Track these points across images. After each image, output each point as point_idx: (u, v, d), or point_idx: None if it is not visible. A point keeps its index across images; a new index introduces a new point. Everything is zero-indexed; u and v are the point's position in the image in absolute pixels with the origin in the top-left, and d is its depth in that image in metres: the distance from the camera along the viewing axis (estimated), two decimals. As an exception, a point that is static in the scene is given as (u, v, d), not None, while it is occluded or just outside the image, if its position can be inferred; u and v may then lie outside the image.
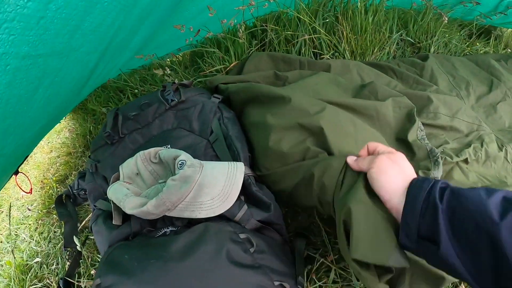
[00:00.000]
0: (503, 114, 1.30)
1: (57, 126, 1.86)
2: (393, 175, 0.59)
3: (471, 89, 1.36)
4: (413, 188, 0.55)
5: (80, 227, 1.14)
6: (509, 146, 1.12)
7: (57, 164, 1.62)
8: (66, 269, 1.01)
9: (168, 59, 1.57)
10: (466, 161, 1.01)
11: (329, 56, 1.40)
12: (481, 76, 1.47)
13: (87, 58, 1.01)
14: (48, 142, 1.85)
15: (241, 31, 1.30)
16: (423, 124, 1.06)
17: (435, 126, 1.09)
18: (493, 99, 1.35)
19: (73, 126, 1.83)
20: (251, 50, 1.36)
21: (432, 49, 1.69)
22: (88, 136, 1.59)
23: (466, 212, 0.47)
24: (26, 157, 1.28)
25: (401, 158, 0.62)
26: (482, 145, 1.07)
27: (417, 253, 0.54)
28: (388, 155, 0.63)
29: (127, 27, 1.03)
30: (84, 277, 0.99)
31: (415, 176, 0.59)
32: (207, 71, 1.34)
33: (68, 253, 1.09)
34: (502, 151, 1.10)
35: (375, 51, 1.49)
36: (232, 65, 1.31)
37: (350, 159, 0.69)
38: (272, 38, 1.38)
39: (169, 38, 1.41)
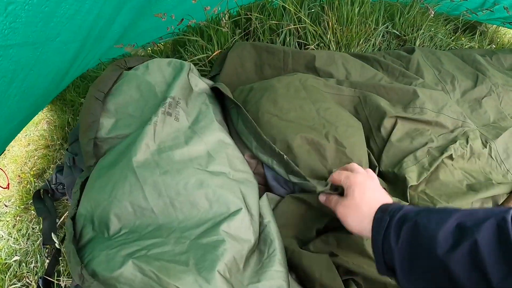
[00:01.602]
0: (488, 109, 1.30)
1: (35, 118, 1.79)
2: (350, 223, 0.65)
3: (456, 83, 1.36)
4: (374, 226, 0.58)
5: (59, 223, 1.11)
6: (493, 142, 1.12)
7: (35, 157, 1.57)
8: (46, 267, 0.98)
9: (149, 48, 1.52)
10: (451, 157, 1.02)
11: (314, 47, 1.38)
12: (466, 70, 1.47)
13: (65, 48, 0.96)
14: (26, 135, 1.78)
15: (224, 19, 1.26)
16: (409, 119, 1.07)
17: (421, 121, 1.09)
18: (478, 94, 1.35)
19: (51, 117, 1.76)
20: (235, 39, 1.33)
21: (417, 42, 1.69)
22: (66, 128, 1.54)
23: (419, 248, 0.49)
24: (2, 152, 1.24)
25: (364, 190, 0.66)
26: (467, 142, 1.07)
27: (392, 279, 0.57)
28: (344, 201, 0.67)
29: (106, 15, 0.98)
30: (63, 275, 0.96)
31: (380, 203, 0.62)
32: (189, 60, 1.30)
33: (47, 250, 1.06)
34: (486, 147, 1.10)
35: (360, 42, 1.48)
36: (214, 53, 1.27)
37: (321, 198, 0.74)
38: (257, 27, 1.35)
39: (150, 27, 1.37)
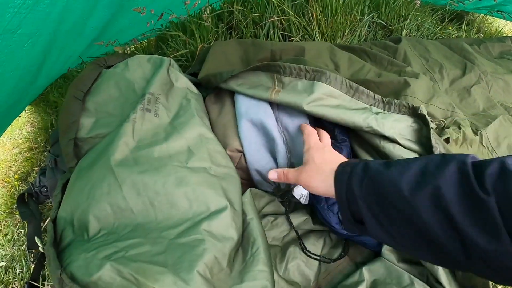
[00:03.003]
0: (477, 98, 1.28)
1: (19, 121, 1.78)
2: (316, 185, 0.63)
3: (444, 72, 1.34)
4: (336, 183, 0.58)
5: (43, 227, 1.09)
6: (484, 130, 1.11)
7: (19, 161, 1.55)
8: (31, 272, 0.97)
9: (132, 45, 1.50)
10: (447, 140, 1.00)
11: (299, 39, 1.36)
12: (454, 59, 1.45)
13: (29, 42, 0.92)
14: (10, 139, 1.76)
15: (206, 13, 1.24)
16: None
17: None
18: (467, 83, 1.33)
19: (35, 119, 1.74)
20: (218, 33, 1.31)
21: (404, 32, 1.67)
22: (50, 130, 1.52)
23: (382, 196, 0.50)
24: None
25: (321, 157, 0.67)
26: (460, 128, 1.05)
27: (361, 233, 0.58)
28: (306, 167, 0.67)
29: (76, 9, 0.95)
30: (48, 279, 0.95)
31: (338, 162, 0.62)
32: (171, 56, 1.27)
33: (32, 255, 1.05)
34: (477, 135, 1.09)
35: (346, 33, 1.46)
36: (199, 48, 1.25)
37: (272, 175, 0.74)
38: (239, 20, 1.33)
39: (130, 22, 1.33)
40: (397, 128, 0.83)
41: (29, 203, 1.08)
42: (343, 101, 0.84)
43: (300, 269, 0.82)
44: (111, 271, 0.55)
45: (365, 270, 0.78)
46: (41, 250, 0.94)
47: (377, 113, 0.84)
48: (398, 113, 0.87)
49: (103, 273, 0.55)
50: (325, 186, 0.61)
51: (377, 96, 0.87)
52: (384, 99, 0.88)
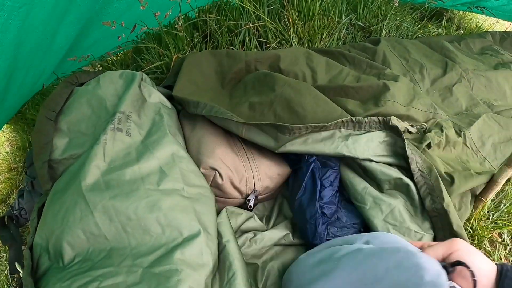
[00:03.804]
0: (460, 96, 1.27)
1: (-4, 140, 1.73)
2: (481, 259, 0.55)
3: (425, 72, 1.33)
4: (506, 280, 0.51)
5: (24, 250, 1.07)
6: (467, 131, 1.10)
7: (-2, 182, 1.51)
8: (14, 298, 0.95)
9: (107, 59, 1.47)
10: (429, 145, 0.98)
11: (276, 45, 1.35)
12: (434, 58, 1.45)
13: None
14: (-11, 159, 1.72)
15: (179, 23, 1.22)
16: (380, 114, 1.01)
17: (392, 115, 1.05)
18: (448, 82, 1.32)
19: (13, 138, 1.71)
20: (193, 43, 1.29)
21: (383, 33, 1.66)
22: (28, 149, 1.48)
23: None
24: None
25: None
26: (442, 130, 1.04)
27: None
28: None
29: (36, 30, 0.93)
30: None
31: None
32: (147, 68, 1.25)
33: (15, 279, 1.03)
34: (460, 136, 1.08)
35: (323, 37, 1.45)
36: (174, 59, 1.23)
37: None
38: (214, 29, 1.31)
39: (103, 36, 1.31)
40: (370, 149, 0.84)
41: (10, 226, 1.05)
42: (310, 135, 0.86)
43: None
44: None
45: None
46: (21, 275, 0.92)
47: (347, 137, 0.85)
48: (369, 131, 0.86)
49: None
50: (489, 266, 0.54)
51: (345, 119, 0.87)
52: (354, 119, 0.87)
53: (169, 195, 0.69)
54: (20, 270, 0.92)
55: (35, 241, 0.67)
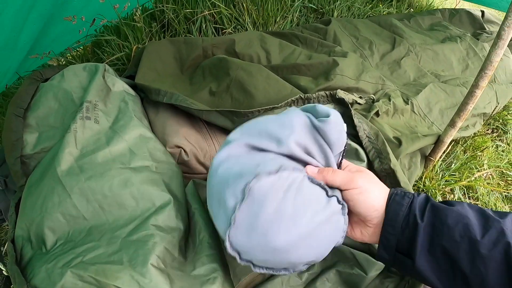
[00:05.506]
0: (408, 69, 1.37)
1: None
2: (376, 195, 0.54)
3: (374, 48, 1.42)
4: (393, 204, 0.53)
5: (4, 251, 1.08)
6: (414, 99, 1.18)
7: (-33, 184, 1.49)
8: (-1, 297, 0.97)
9: (68, 55, 1.48)
10: (377, 113, 1.07)
11: (231, 30, 1.40)
12: (383, 35, 1.54)
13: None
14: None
15: (137, 14, 1.25)
16: (330, 88, 1.09)
17: (341, 88, 1.10)
18: (396, 56, 1.42)
19: (-19, 140, 1.67)
20: (152, 33, 1.33)
21: (335, 14, 1.73)
22: (-5, 150, 1.47)
23: (446, 228, 0.48)
24: None
25: (374, 176, 0.59)
26: (389, 100, 1.12)
27: (392, 265, 0.55)
28: (362, 174, 0.57)
29: (6, 27, 0.95)
30: (19, 302, 0.94)
31: (388, 189, 0.57)
32: (108, 61, 1.29)
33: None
34: (408, 104, 1.16)
35: (277, 20, 1.51)
36: (133, 50, 1.26)
37: (311, 170, 0.54)
38: (171, 18, 1.35)
39: (63, 31, 1.32)
40: None
41: (-13, 228, 1.05)
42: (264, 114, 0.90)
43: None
44: (72, 277, 0.57)
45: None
46: (5, 273, 0.94)
47: None
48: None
49: (66, 280, 0.57)
50: (381, 200, 0.54)
51: (295, 97, 0.93)
52: (303, 96, 0.93)
53: (140, 172, 0.74)
54: (3, 268, 0.94)
55: (16, 233, 0.69)
